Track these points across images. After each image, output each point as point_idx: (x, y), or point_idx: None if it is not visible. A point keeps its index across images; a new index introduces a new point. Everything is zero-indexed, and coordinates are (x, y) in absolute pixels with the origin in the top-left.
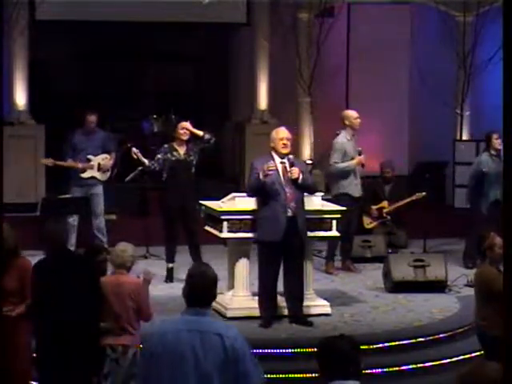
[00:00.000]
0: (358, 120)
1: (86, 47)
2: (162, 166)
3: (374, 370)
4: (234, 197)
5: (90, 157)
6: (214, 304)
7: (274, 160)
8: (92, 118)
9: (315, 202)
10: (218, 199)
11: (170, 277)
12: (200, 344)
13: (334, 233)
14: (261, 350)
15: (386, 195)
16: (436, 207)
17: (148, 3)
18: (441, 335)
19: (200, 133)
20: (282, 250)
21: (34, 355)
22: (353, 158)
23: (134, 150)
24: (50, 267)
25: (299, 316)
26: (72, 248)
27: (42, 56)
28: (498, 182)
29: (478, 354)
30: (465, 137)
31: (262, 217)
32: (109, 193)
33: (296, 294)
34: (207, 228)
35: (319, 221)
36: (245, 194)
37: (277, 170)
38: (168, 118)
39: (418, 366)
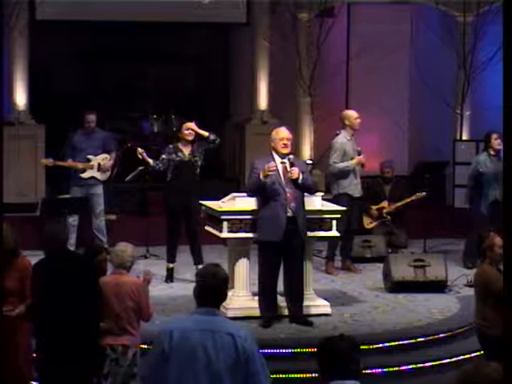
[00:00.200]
0: (358, 120)
1: (86, 47)
2: (167, 166)
3: (373, 370)
4: (234, 197)
5: (89, 157)
6: None
7: (274, 160)
8: (90, 118)
9: (315, 202)
10: (218, 199)
11: (170, 277)
12: (212, 343)
13: (334, 233)
14: (261, 350)
15: (386, 195)
16: (436, 207)
17: (148, 3)
18: (441, 335)
19: (205, 133)
20: (282, 250)
21: (34, 355)
22: (352, 158)
23: (140, 149)
24: (50, 267)
25: (299, 316)
26: (72, 248)
27: (42, 56)
28: (497, 182)
29: (477, 354)
30: (465, 137)
31: (262, 217)
32: (109, 193)
33: (296, 294)
34: (207, 228)
35: (319, 221)
36: (245, 194)
37: (277, 170)
38: (168, 118)
39: (418, 365)
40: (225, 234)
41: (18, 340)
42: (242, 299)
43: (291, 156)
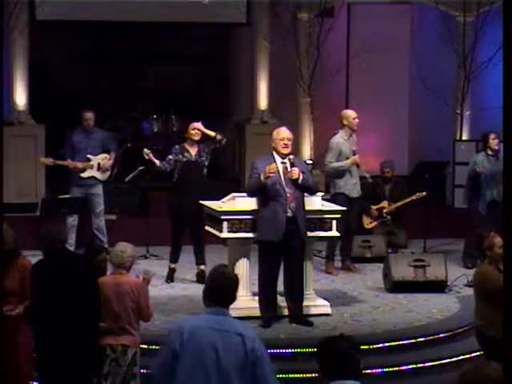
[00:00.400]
0: (356, 120)
1: (85, 47)
2: (174, 166)
3: (373, 370)
4: (234, 197)
5: (89, 156)
6: None
7: (274, 160)
8: (88, 115)
9: (315, 202)
10: (218, 199)
11: (170, 277)
12: (221, 343)
13: (334, 233)
14: None
15: (386, 195)
16: (436, 207)
17: (148, 3)
18: (441, 335)
19: (212, 133)
20: (282, 250)
21: (34, 355)
22: (348, 158)
23: (146, 150)
24: (49, 267)
25: (299, 316)
26: (72, 248)
27: (42, 56)
28: (495, 182)
29: (478, 354)
30: (465, 137)
31: (262, 217)
32: (109, 193)
33: (296, 294)
34: (207, 228)
35: (319, 221)
36: (245, 194)
37: (277, 171)
38: (168, 118)
39: (418, 365)
40: (225, 234)
41: (18, 340)
42: (242, 299)
43: (292, 156)
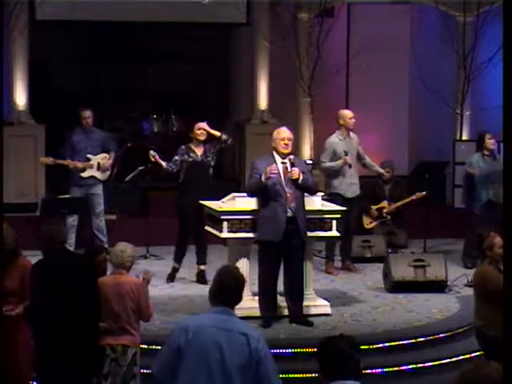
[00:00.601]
0: (353, 120)
1: (85, 47)
2: (180, 167)
3: (373, 370)
4: (234, 197)
5: (89, 156)
6: None
7: (274, 160)
8: (86, 113)
9: (315, 202)
10: (218, 199)
11: (172, 276)
12: (226, 341)
13: (334, 233)
14: None
15: (386, 195)
16: (436, 207)
17: (148, 3)
18: (441, 335)
19: (217, 133)
20: (282, 250)
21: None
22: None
23: (152, 152)
24: (48, 268)
25: (299, 316)
26: (72, 248)
27: (42, 56)
28: (491, 183)
29: (478, 354)
30: (465, 137)
31: (262, 217)
32: (109, 193)
33: (296, 294)
34: (207, 228)
35: (319, 221)
36: (245, 194)
37: (278, 172)
38: (168, 118)
39: (418, 365)
40: (225, 234)
41: (18, 340)
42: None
43: (292, 156)
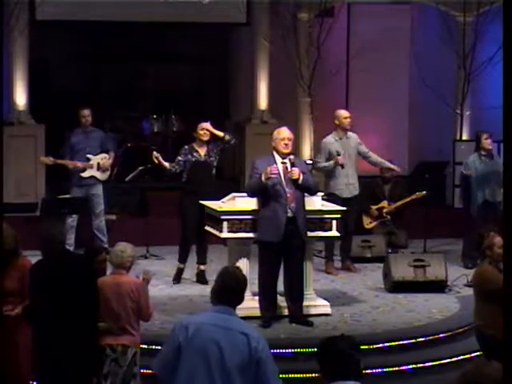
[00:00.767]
0: (348, 120)
1: (85, 47)
2: (183, 167)
3: (373, 370)
4: (234, 197)
5: (89, 156)
6: None
7: (275, 160)
8: (85, 113)
9: (315, 202)
10: (218, 199)
11: (178, 278)
12: (225, 340)
13: (334, 233)
14: None
15: (386, 195)
16: (436, 207)
17: (148, 3)
18: (441, 335)
19: (221, 134)
20: (281, 250)
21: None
22: None
23: (155, 153)
24: (48, 268)
25: (299, 316)
26: (71, 248)
27: (42, 56)
28: (487, 183)
29: (477, 354)
30: (465, 137)
31: (262, 217)
32: (109, 193)
33: (296, 294)
34: (207, 228)
35: (319, 221)
36: (245, 194)
37: (278, 172)
38: (168, 118)
39: (418, 366)
40: (225, 234)
41: (18, 340)
42: None
43: (292, 156)
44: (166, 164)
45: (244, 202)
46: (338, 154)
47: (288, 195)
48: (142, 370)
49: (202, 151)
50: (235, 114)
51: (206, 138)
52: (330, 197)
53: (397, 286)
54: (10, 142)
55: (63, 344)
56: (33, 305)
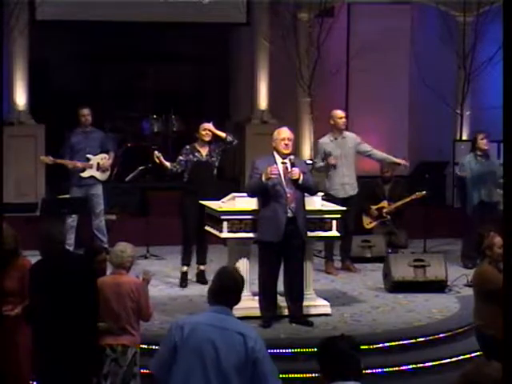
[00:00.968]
0: (343, 120)
1: (85, 47)
2: (185, 167)
3: (373, 370)
4: (234, 197)
5: (89, 156)
6: None
7: (275, 160)
8: (85, 112)
9: (315, 202)
10: (218, 199)
11: (184, 281)
12: (221, 340)
13: (334, 233)
14: None
15: (386, 195)
16: (436, 207)
17: (148, 3)
18: (441, 335)
19: (222, 134)
20: (282, 251)
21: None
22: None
23: (157, 153)
24: (48, 268)
25: (299, 316)
26: (71, 248)
27: (42, 56)
28: (483, 183)
29: (478, 353)
30: (465, 137)
31: (262, 217)
32: (109, 193)
33: (296, 294)
34: (207, 228)
35: (319, 221)
36: (245, 194)
37: (278, 172)
38: (168, 118)
39: (418, 366)
40: (225, 234)
41: (18, 340)
42: (241, 299)
43: (292, 156)
44: (168, 164)
45: (244, 202)
46: (330, 155)
47: (288, 195)
48: (142, 370)
49: (204, 151)
50: (235, 114)
51: (207, 139)
52: (327, 197)
53: (397, 286)
54: (10, 142)
55: (63, 344)
56: (33, 305)
